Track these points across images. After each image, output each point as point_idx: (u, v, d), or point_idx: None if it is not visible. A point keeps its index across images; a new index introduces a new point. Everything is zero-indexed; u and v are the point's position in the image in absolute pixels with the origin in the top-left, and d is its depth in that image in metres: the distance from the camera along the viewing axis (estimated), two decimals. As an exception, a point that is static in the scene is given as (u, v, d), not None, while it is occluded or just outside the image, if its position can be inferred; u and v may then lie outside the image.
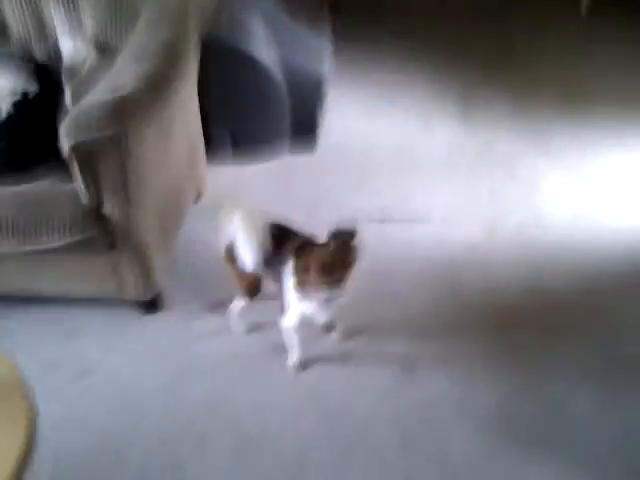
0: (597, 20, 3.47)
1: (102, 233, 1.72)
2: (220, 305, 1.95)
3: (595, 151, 2.60)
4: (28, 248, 1.72)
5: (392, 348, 1.89)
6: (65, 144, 1.58)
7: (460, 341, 1.90)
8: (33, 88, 1.93)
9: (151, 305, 1.98)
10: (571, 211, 2.33)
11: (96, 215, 1.70)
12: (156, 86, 1.73)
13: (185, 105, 2.11)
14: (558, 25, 3.47)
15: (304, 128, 2.63)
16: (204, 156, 2.37)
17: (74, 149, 1.58)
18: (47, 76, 1.99)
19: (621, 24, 3.42)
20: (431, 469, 1.59)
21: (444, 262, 2.15)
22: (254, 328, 1.92)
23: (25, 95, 1.91)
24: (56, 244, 1.70)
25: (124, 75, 1.72)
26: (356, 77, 3.06)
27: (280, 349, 1.84)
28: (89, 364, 1.87)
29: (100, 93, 1.66)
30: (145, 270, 1.84)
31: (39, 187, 1.77)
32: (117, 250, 1.78)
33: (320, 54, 2.67)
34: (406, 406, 1.74)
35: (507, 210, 2.34)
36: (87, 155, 1.60)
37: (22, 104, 1.89)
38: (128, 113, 1.61)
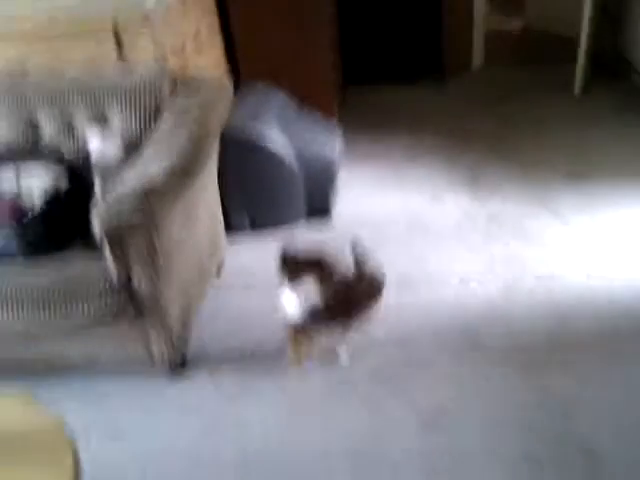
0: (589, 99, 3.69)
1: (130, 304, 1.82)
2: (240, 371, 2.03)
3: (599, 210, 2.69)
4: (59, 323, 1.82)
5: (414, 394, 1.92)
6: (99, 229, 1.71)
7: (486, 389, 1.91)
8: (64, 185, 2.06)
9: (178, 370, 2.04)
10: (584, 268, 2.38)
11: (125, 290, 1.80)
12: (181, 178, 1.87)
13: (207, 190, 2.27)
14: (554, 105, 3.68)
15: (318, 209, 2.77)
16: (224, 236, 2.51)
17: (107, 233, 1.72)
18: (77, 173, 2.12)
19: (609, 100, 3.64)
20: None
21: (464, 319, 2.19)
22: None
23: (56, 190, 2.04)
24: (86, 318, 1.80)
25: (152, 167, 1.85)
26: (366, 156, 3.24)
27: (303, 407, 1.88)
28: (120, 427, 1.90)
29: (129, 183, 1.79)
30: (171, 336, 1.93)
31: (71, 266, 1.89)
32: (144, 318, 1.86)
33: (331, 141, 2.84)
34: (434, 456, 1.73)
35: (522, 270, 2.40)
36: (119, 238, 1.74)
37: (54, 200, 2.01)
38: (156, 202, 1.75)
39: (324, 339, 1.95)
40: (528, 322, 2.15)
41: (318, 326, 1.90)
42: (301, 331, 1.92)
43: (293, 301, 1.85)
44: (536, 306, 2.22)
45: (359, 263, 1.79)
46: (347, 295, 1.78)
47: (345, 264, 1.81)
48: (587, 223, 2.62)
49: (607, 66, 4.03)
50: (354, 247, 1.82)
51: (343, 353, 2.02)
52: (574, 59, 3.66)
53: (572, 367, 1.96)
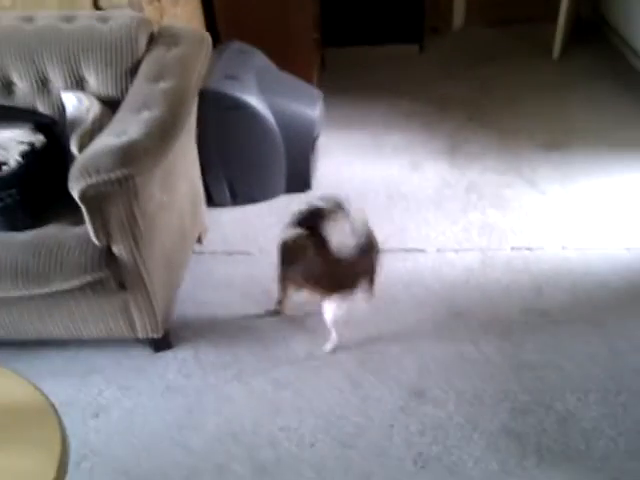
0: (568, 63, 3.68)
1: (112, 274, 1.77)
2: (223, 342, 2.02)
3: (576, 180, 2.72)
4: (40, 291, 1.76)
5: (398, 372, 1.93)
6: (75, 188, 1.64)
7: (464, 363, 1.95)
8: (39, 139, 1.99)
9: (161, 343, 2.01)
10: (560, 236, 2.42)
11: (106, 256, 1.75)
12: (160, 131, 1.79)
13: (186, 152, 2.20)
14: (533, 69, 3.66)
15: (298, 171, 2.73)
16: (204, 199, 2.45)
17: (84, 193, 1.64)
18: (52, 128, 2.05)
19: (588, 65, 3.64)
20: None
21: (442, 288, 2.22)
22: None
23: (32, 146, 1.97)
24: (67, 286, 1.75)
25: (129, 122, 1.79)
26: (346, 125, 3.19)
27: (288, 380, 1.89)
28: (103, 403, 1.89)
29: (106, 139, 1.73)
30: (154, 309, 1.88)
31: (50, 231, 1.82)
32: (126, 290, 1.82)
33: (312, 103, 2.79)
34: (418, 428, 1.77)
35: (499, 241, 2.43)
36: (96, 198, 1.67)
37: (30, 154, 1.94)
38: (135, 157, 1.67)
39: (315, 298, 1.95)
40: (505, 293, 2.19)
41: (311, 285, 1.93)
42: (293, 281, 1.97)
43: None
44: (513, 277, 2.26)
45: (354, 230, 1.80)
46: (342, 265, 1.80)
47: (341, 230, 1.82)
48: (563, 193, 2.66)
49: (588, 29, 4.02)
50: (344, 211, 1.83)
51: (329, 342, 2.01)
52: (555, 19, 3.63)
53: (548, 338, 2.01)
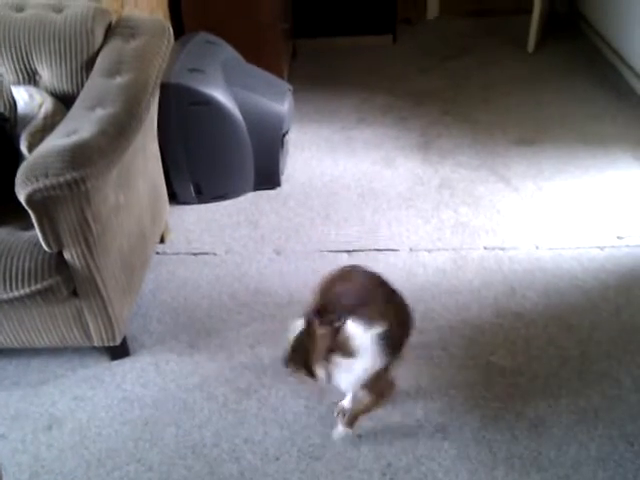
0: (543, 56, 3.64)
1: (63, 281, 1.67)
2: (188, 347, 1.93)
3: (550, 177, 2.68)
4: None
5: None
6: (21, 193, 1.54)
7: (434, 369, 1.89)
8: None
9: (119, 350, 1.93)
10: (533, 235, 2.38)
11: (57, 262, 1.65)
12: (115, 130, 1.69)
13: (146, 149, 2.10)
14: (508, 62, 3.62)
15: (267, 167, 2.65)
16: (167, 198, 2.35)
17: (30, 197, 1.54)
18: (2, 125, 1.93)
19: (563, 59, 3.60)
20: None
21: (413, 289, 2.15)
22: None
23: None
24: (17, 294, 1.65)
25: (81, 120, 1.70)
26: (317, 119, 3.12)
27: (252, 388, 1.82)
28: (57, 414, 1.80)
29: (56, 139, 1.63)
30: (110, 316, 1.79)
31: (-3, 235, 1.72)
32: (80, 297, 1.73)
33: (280, 97, 2.71)
34: (385, 437, 1.71)
35: (471, 240, 2.37)
36: (44, 203, 1.57)
37: None
38: (86, 158, 1.57)
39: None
40: (477, 295, 2.14)
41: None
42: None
43: None
44: (485, 278, 2.21)
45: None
46: None
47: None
48: (537, 190, 2.61)
49: (564, 23, 3.98)
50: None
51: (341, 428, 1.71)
52: (530, 12, 3.58)
53: (521, 341, 1.97)
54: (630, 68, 3.28)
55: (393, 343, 1.51)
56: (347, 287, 1.59)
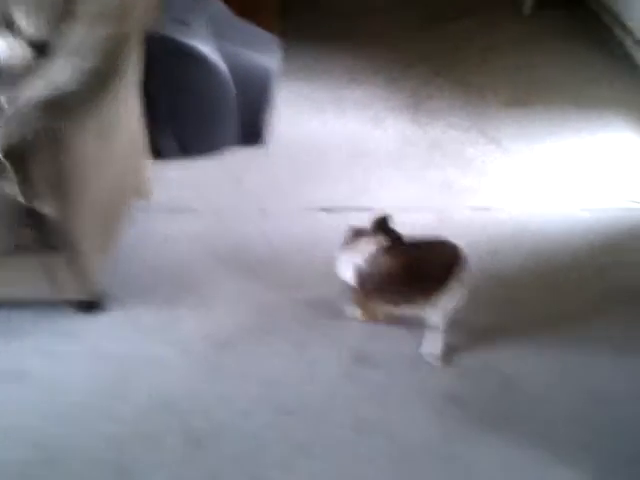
0: (539, 20, 3.54)
1: (39, 233, 1.65)
2: (164, 303, 1.90)
3: (541, 140, 2.63)
4: None
5: (344, 336, 1.86)
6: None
7: (411, 324, 1.87)
8: None
9: (92, 305, 1.90)
10: (521, 197, 2.35)
11: (30, 217, 1.62)
12: (94, 81, 1.67)
13: (127, 103, 2.05)
14: (503, 24, 3.52)
15: (252, 123, 2.59)
16: (148, 153, 2.31)
17: (8, 149, 1.51)
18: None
19: (560, 23, 3.51)
20: (388, 452, 1.58)
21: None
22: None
23: None
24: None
25: (61, 72, 1.66)
26: (306, 76, 3.05)
27: (230, 344, 1.79)
28: (25, 367, 1.77)
29: (35, 91, 1.60)
30: (84, 270, 1.77)
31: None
32: (53, 250, 1.70)
33: (269, 52, 2.64)
34: (360, 393, 1.71)
35: (459, 197, 2.34)
36: (20, 157, 1.53)
37: None
38: (64, 108, 1.56)
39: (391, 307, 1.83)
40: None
41: (382, 293, 1.76)
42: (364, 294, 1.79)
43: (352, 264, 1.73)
44: (470, 238, 2.16)
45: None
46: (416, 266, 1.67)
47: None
48: (527, 152, 2.57)
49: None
50: None
51: (430, 350, 1.81)
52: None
53: (501, 302, 1.95)
54: (630, 33, 3.20)
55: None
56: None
